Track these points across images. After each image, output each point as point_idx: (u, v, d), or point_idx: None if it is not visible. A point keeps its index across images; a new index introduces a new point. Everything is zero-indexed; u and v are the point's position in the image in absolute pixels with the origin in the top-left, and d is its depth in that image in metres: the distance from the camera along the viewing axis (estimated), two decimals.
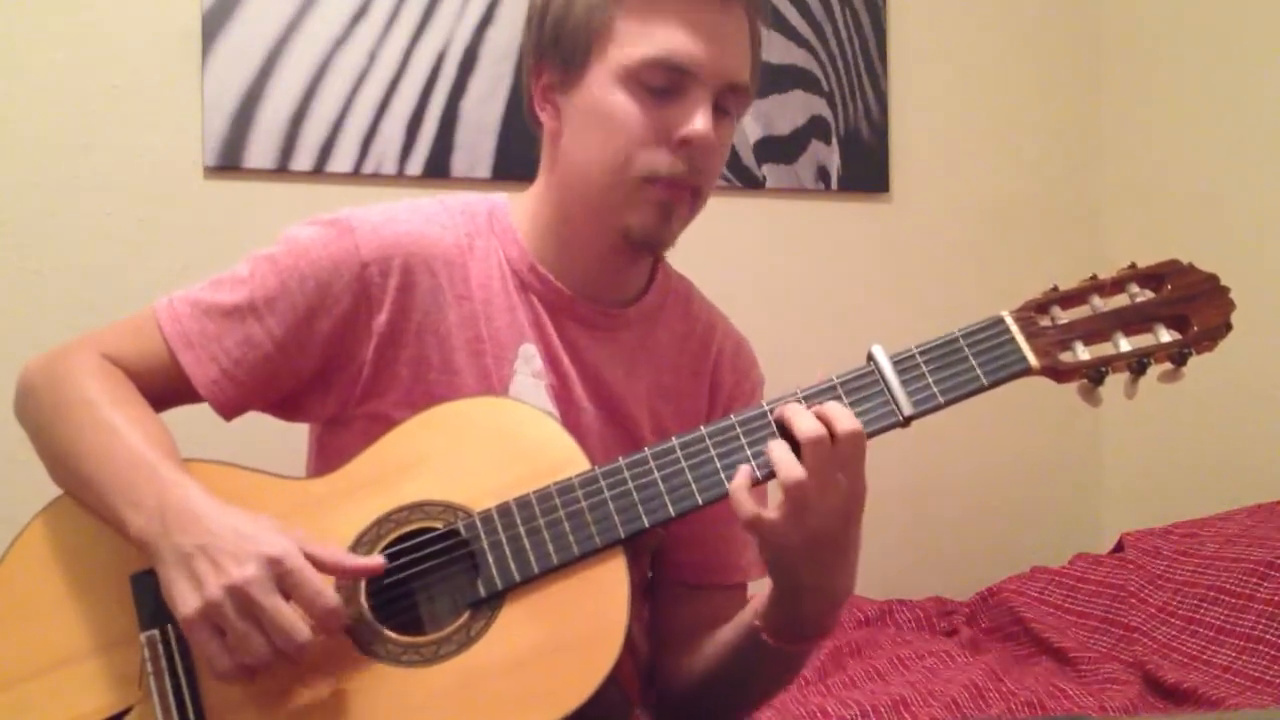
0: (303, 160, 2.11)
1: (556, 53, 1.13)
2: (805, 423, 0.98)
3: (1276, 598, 1.71)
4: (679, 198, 1.11)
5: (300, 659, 0.96)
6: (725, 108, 1.12)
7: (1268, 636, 1.68)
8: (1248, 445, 2.25)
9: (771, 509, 1.00)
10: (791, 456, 0.99)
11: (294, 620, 0.94)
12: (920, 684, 1.74)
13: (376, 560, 1.00)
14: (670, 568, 1.25)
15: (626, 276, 1.20)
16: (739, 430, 1.04)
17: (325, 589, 0.96)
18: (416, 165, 2.18)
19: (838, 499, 0.98)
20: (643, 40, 1.09)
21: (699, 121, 1.08)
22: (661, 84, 1.09)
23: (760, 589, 1.13)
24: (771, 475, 1.01)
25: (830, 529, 0.99)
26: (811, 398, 1.03)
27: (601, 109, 1.10)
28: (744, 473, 1.01)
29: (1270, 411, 2.21)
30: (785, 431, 1.01)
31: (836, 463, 0.98)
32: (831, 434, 0.98)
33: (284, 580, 0.94)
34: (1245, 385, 2.22)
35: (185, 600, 0.94)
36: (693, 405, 1.24)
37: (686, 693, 1.21)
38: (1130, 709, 1.65)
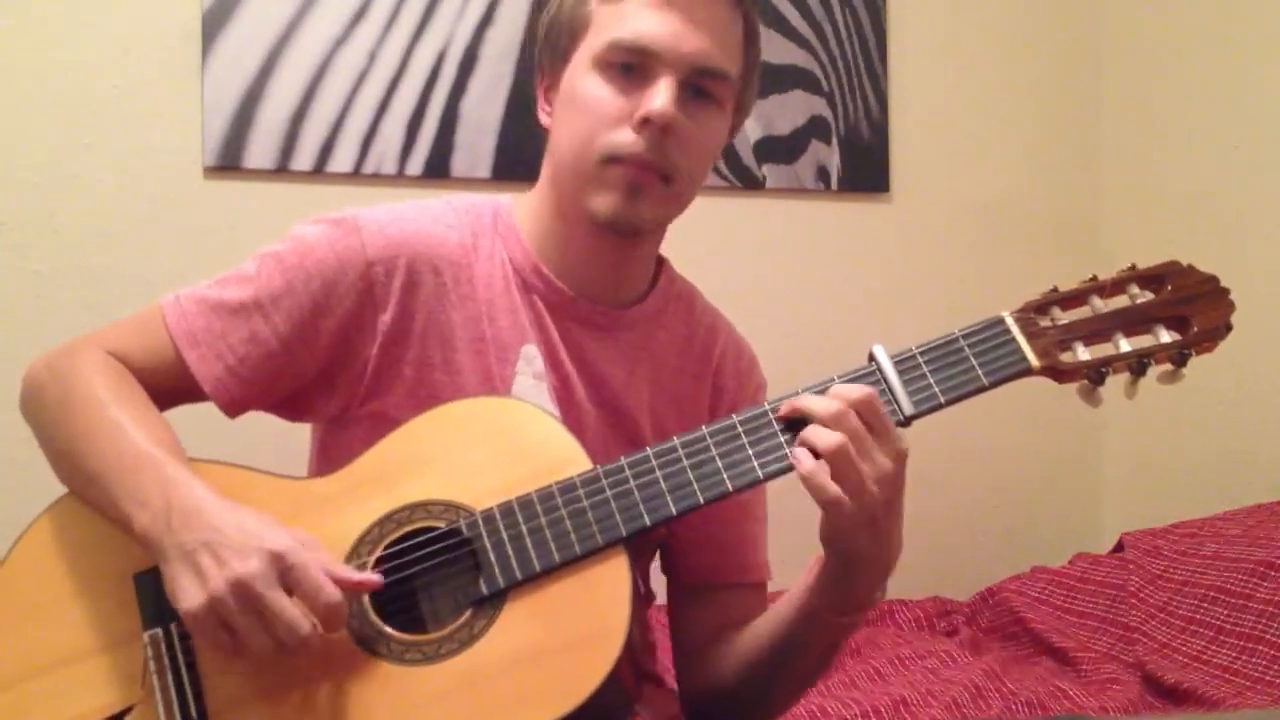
0: (303, 160, 2.11)
1: (548, 51, 1.16)
2: (820, 402, 0.99)
3: (1276, 598, 1.71)
4: (645, 179, 1.10)
5: (302, 653, 0.96)
6: (707, 92, 1.12)
7: (1268, 636, 1.68)
8: (1248, 445, 2.25)
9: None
10: (823, 430, 0.99)
11: (296, 615, 0.94)
12: (920, 684, 1.75)
13: (373, 576, 1.00)
14: (685, 572, 1.25)
15: (624, 274, 1.20)
16: (740, 429, 1.04)
17: (328, 585, 0.96)
18: (417, 165, 2.18)
19: (882, 464, 0.99)
20: (613, 25, 1.10)
21: (659, 100, 1.07)
22: (627, 66, 1.09)
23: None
24: (784, 470, 1.02)
25: (884, 497, 0.99)
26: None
27: (575, 94, 1.12)
28: (806, 455, 1.00)
29: (1270, 412, 2.21)
30: (796, 425, 1.02)
31: (864, 430, 0.99)
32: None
33: (286, 576, 0.95)
34: (1245, 386, 2.22)
35: (188, 595, 0.95)
36: (694, 409, 1.24)
37: (722, 691, 1.20)
38: (1130, 709, 1.65)
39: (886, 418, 1.00)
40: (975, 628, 2.14)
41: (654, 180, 1.10)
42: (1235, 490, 2.14)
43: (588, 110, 1.10)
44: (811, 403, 1.00)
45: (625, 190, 1.10)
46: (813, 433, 1.00)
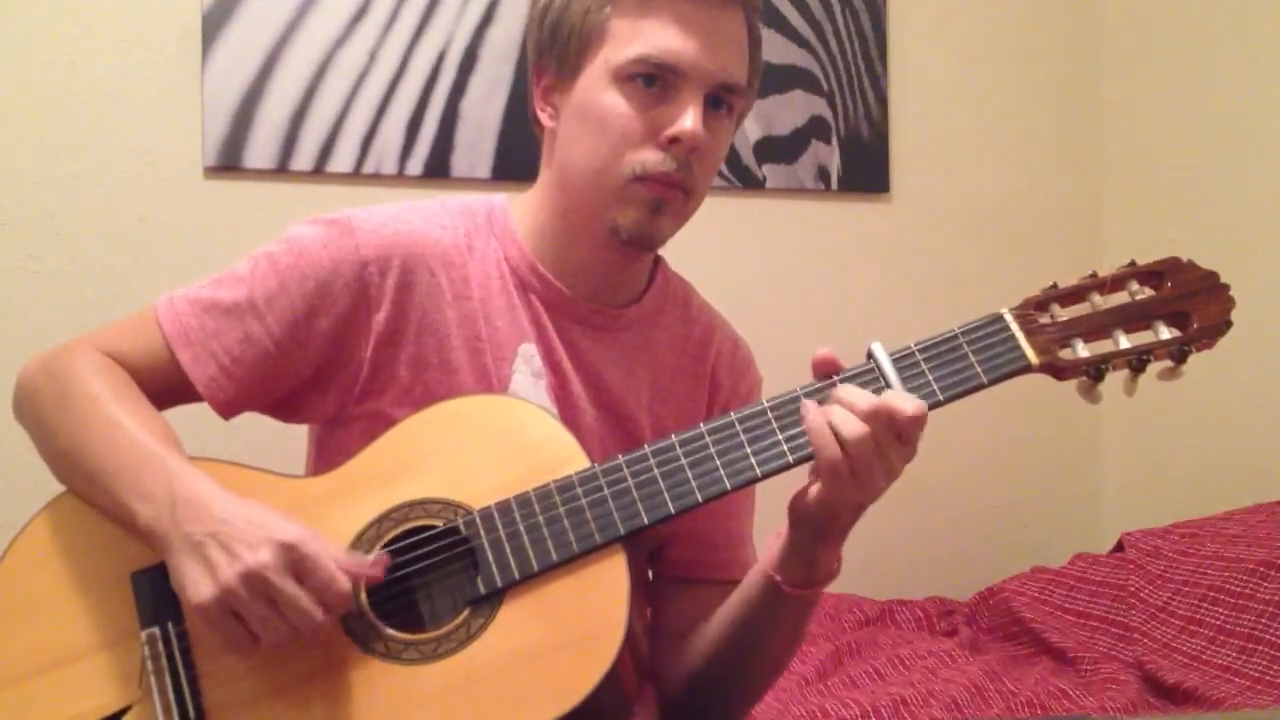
0: (303, 160, 2.11)
1: (554, 54, 1.14)
2: (853, 391, 0.99)
3: (1276, 598, 1.71)
4: (669, 195, 1.11)
5: (314, 640, 0.97)
6: (723, 104, 1.12)
7: (1268, 636, 1.68)
8: (1248, 445, 2.25)
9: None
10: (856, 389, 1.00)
11: (310, 604, 0.95)
12: (920, 684, 1.74)
13: (377, 569, 1.01)
14: (666, 565, 1.25)
15: (625, 276, 1.20)
16: (739, 428, 1.04)
17: (338, 574, 0.97)
18: (416, 165, 2.18)
19: (895, 465, 1.00)
20: (634, 40, 1.09)
21: (688, 120, 1.08)
22: (652, 83, 1.09)
23: None
24: (783, 468, 1.02)
25: (884, 489, 1.01)
26: (811, 395, 1.03)
27: (594, 108, 1.11)
28: (814, 408, 1.00)
29: (1270, 411, 2.21)
30: (795, 421, 1.02)
31: (894, 436, 0.99)
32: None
33: (299, 565, 0.95)
34: (1245, 385, 2.21)
35: (199, 587, 0.95)
36: (692, 407, 1.24)
37: (691, 680, 1.20)
38: (1130, 709, 1.65)
39: (915, 433, 0.99)
40: (975, 628, 2.14)
41: (677, 196, 1.11)
42: (1235, 490, 2.14)
43: (610, 128, 1.10)
44: (841, 392, 1.00)
45: (649, 207, 1.11)
46: (846, 392, 0.99)
